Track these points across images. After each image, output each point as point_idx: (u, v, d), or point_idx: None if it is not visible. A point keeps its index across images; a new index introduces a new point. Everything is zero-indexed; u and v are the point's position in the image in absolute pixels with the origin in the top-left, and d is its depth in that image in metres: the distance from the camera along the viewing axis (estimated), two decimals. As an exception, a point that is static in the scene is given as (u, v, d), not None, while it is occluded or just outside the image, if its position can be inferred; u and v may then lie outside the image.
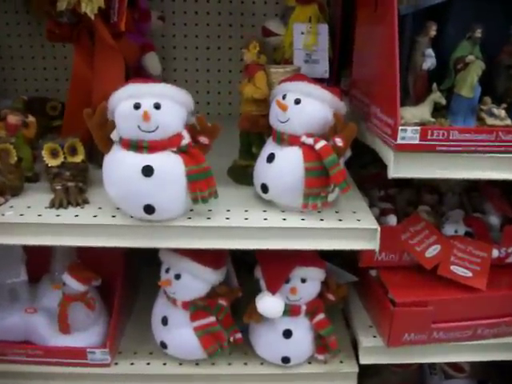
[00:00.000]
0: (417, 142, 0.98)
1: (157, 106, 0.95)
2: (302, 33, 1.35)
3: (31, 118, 1.19)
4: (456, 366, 1.50)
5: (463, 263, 1.22)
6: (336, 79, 1.48)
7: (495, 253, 1.26)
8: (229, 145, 1.21)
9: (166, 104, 0.96)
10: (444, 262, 1.21)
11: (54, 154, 1.12)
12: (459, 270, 1.21)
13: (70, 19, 1.21)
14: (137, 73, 1.34)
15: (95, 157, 1.21)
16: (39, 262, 1.28)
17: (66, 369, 1.20)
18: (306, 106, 1.03)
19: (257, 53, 1.14)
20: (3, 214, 1.04)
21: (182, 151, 0.98)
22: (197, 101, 1.03)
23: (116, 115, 0.97)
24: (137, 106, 0.94)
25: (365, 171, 1.50)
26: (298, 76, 1.11)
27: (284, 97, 1.05)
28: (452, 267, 1.21)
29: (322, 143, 1.00)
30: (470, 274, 1.20)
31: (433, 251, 1.22)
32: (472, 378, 1.53)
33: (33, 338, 1.24)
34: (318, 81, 1.33)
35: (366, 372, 1.29)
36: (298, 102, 1.03)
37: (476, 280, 1.19)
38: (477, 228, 1.30)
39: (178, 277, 1.15)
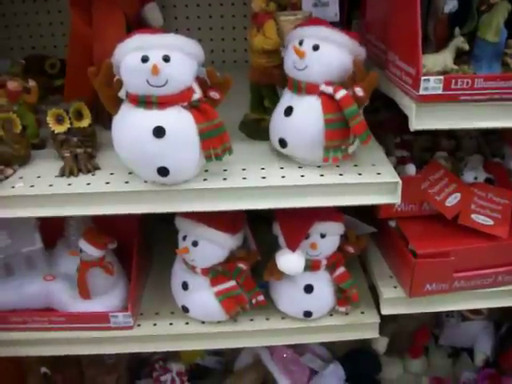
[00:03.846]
0: (440, 92, 0.93)
1: (166, 59, 0.89)
2: (310, -27, 1.27)
3: (32, 83, 1.14)
4: (473, 309, 1.50)
5: (484, 211, 1.19)
6: (346, 22, 1.40)
7: (517, 199, 1.22)
8: (237, 95, 1.13)
9: (175, 56, 0.90)
10: (464, 211, 1.19)
11: (59, 119, 1.07)
12: (480, 219, 1.18)
13: (63, -28, 1.15)
14: (138, 26, 1.26)
15: (101, 118, 1.17)
16: (53, 227, 1.27)
17: (89, 333, 1.21)
18: (325, 52, 0.97)
19: (266, 0, 1.07)
20: (13, 187, 1.01)
21: (192, 106, 0.93)
22: (200, 49, 0.97)
23: (122, 69, 0.92)
24: (144, 59, 0.89)
25: (377, 116, 1.44)
26: (314, 20, 1.04)
27: (301, 43, 0.99)
28: (473, 216, 1.18)
29: (342, 92, 0.95)
30: (490, 222, 1.18)
31: (453, 200, 1.19)
32: (489, 319, 1.54)
33: (53, 304, 1.24)
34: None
35: (382, 318, 1.29)
36: (316, 48, 0.97)
37: (497, 228, 1.17)
38: (497, 174, 1.27)
39: (195, 244, 1.13)
